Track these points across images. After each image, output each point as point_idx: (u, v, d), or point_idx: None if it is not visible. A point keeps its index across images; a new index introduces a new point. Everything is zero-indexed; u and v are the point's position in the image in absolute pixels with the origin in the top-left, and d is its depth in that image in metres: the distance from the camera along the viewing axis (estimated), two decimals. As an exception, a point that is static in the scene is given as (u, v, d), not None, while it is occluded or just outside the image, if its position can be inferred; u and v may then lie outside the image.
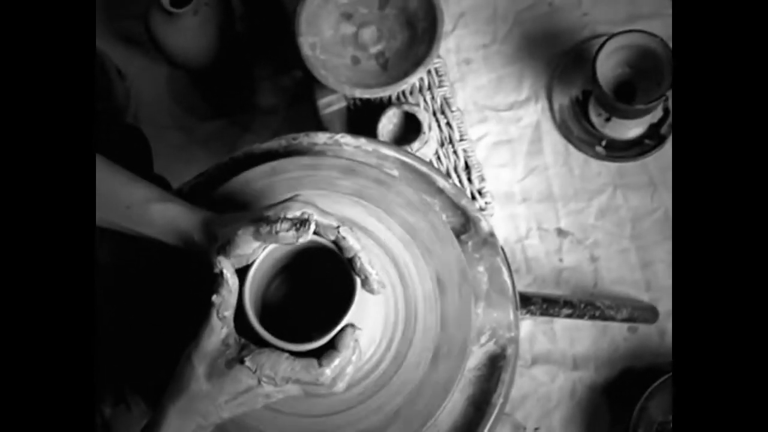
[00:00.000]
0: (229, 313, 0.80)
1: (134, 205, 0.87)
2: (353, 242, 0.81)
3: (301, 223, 0.79)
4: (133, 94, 1.47)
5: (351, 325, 0.80)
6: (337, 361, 0.79)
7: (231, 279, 0.80)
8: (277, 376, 0.77)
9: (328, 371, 0.78)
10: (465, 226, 0.99)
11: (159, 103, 1.49)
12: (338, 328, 0.81)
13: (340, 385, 0.80)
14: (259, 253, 0.82)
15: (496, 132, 1.43)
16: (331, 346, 0.79)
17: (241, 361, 0.77)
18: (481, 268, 0.98)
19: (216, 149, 1.44)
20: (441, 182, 1.00)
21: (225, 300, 0.79)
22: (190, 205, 0.87)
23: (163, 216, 0.86)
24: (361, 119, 1.28)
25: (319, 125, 1.26)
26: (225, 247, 0.81)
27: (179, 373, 0.80)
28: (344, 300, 0.82)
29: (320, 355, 0.79)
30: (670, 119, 1.39)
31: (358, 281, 0.82)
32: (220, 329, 0.79)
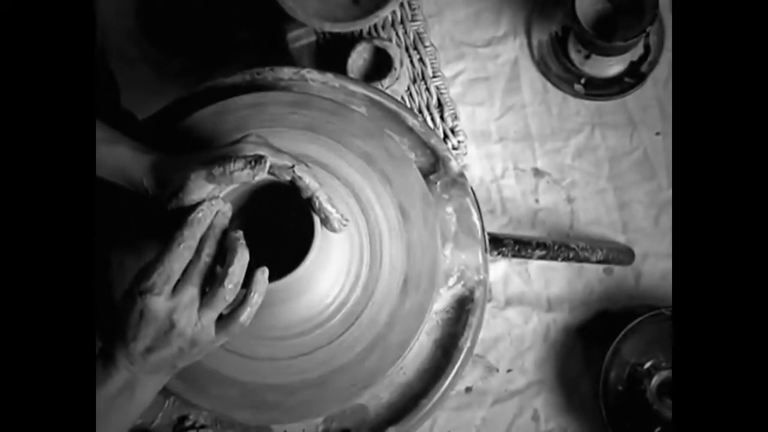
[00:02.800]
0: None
1: None
2: (310, 181, 0.79)
3: (256, 160, 0.76)
4: (99, 25, 1.42)
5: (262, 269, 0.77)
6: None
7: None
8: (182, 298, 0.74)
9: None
10: (434, 165, 0.97)
11: (128, 36, 1.45)
12: (301, 267, 0.79)
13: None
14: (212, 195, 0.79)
15: (473, 69, 1.39)
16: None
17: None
18: (449, 209, 0.95)
19: (188, 85, 1.41)
20: (410, 120, 0.97)
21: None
22: (140, 148, 0.83)
23: (112, 159, 0.83)
24: (331, 54, 1.24)
25: (290, 60, 1.22)
26: (177, 193, 0.78)
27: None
28: (306, 238, 0.80)
29: None
30: (650, 57, 1.36)
31: (318, 220, 0.79)
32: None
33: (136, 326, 0.75)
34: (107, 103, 1.28)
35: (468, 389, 1.32)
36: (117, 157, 0.83)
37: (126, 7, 1.46)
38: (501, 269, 1.34)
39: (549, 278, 1.34)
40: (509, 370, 1.33)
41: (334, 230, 0.81)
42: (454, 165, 0.96)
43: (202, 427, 0.92)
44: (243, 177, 0.76)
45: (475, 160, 1.37)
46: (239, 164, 0.76)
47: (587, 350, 1.32)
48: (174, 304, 0.74)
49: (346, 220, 0.81)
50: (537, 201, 1.36)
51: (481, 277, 0.95)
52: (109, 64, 1.34)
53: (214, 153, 0.78)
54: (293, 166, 0.78)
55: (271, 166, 0.77)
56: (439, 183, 0.96)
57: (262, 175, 0.77)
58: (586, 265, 1.32)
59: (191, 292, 0.75)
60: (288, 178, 0.78)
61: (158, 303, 0.74)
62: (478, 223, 0.96)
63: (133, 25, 1.45)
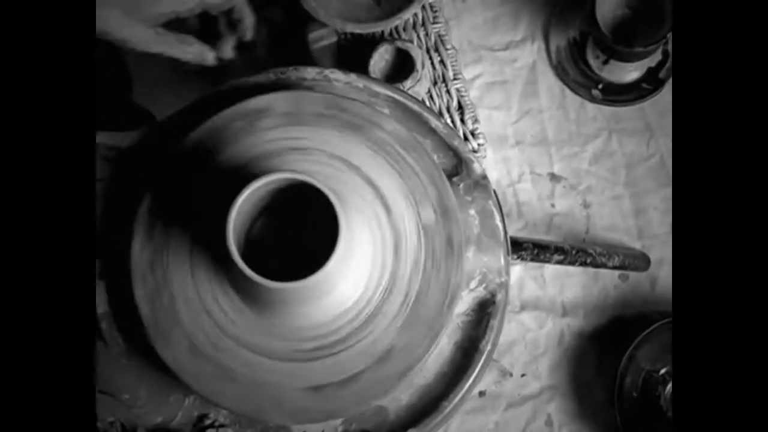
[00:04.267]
0: None
1: None
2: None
3: None
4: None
5: None
6: None
7: None
8: None
9: None
10: (457, 167, 0.97)
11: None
12: (326, 267, 0.79)
13: None
14: None
15: (491, 72, 1.39)
16: None
17: None
18: (472, 211, 0.95)
19: (202, 81, 1.40)
20: (433, 122, 0.97)
21: None
22: None
23: None
24: (352, 55, 1.24)
25: (309, 60, 1.22)
26: None
27: None
28: (331, 239, 0.80)
29: None
30: (669, 63, 1.36)
31: (342, 219, 0.79)
32: None
33: None
34: (120, 98, 1.28)
35: (481, 393, 1.31)
36: None
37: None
38: (516, 273, 1.34)
39: (564, 283, 1.34)
40: (523, 375, 1.32)
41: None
42: (477, 167, 0.96)
43: (222, 426, 0.92)
44: None
45: (492, 164, 1.36)
46: None
47: (602, 356, 1.31)
48: None
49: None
50: (553, 206, 1.36)
51: (503, 279, 0.95)
52: (124, 58, 1.34)
53: None
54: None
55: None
56: (462, 185, 0.96)
57: None
58: (602, 271, 1.32)
59: None
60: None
61: None
62: (500, 225, 0.96)
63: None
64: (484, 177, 0.96)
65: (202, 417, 0.92)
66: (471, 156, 0.97)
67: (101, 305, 0.91)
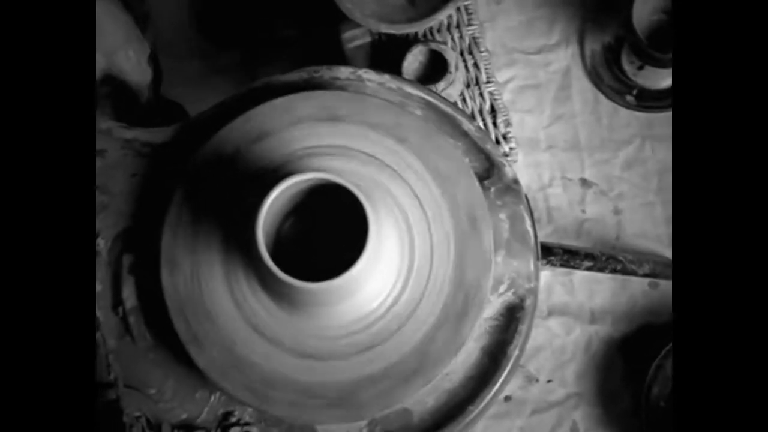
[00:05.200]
0: None
1: None
2: None
3: None
4: (152, 18, 1.43)
5: None
6: None
7: None
8: None
9: None
10: (488, 171, 0.96)
11: (179, 29, 1.46)
12: (356, 267, 0.78)
13: None
14: None
15: (524, 76, 1.38)
16: None
17: None
18: (502, 216, 0.95)
19: (237, 79, 1.41)
20: (466, 125, 0.97)
21: None
22: None
23: None
24: (386, 56, 1.24)
25: (342, 59, 1.22)
26: None
27: None
28: (360, 238, 0.80)
29: None
30: (705, 70, 1.35)
31: (372, 220, 0.79)
32: None
33: None
34: (152, 92, 1.29)
35: (507, 398, 1.31)
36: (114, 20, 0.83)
37: (180, 2, 1.46)
38: (544, 279, 1.33)
39: (593, 290, 1.33)
40: (549, 381, 1.32)
41: None
42: (509, 171, 0.95)
43: (247, 424, 0.91)
44: None
45: (523, 168, 1.36)
46: None
47: (629, 364, 1.30)
48: None
49: None
50: (584, 211, 1.35)
51: (532, 285, 0.94)
52: (157, 56, 1.35)
53: None
54: None
55: None
56: (493, 189, 0.95)
57: None
58: (631, 278, 1.31)
59: None
60: None
61: None
62: (531, 230, 0.95)
63: (185, 20, 1.46)
64: (516, 181, 0.96)
65: (227, 414, 0.92)
66: (503, 160, 0.96)
67: (130, 299, 0.91)
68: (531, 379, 1.31)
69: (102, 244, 0.93)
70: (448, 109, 0.97)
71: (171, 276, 0.89)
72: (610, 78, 1.38)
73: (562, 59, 1.39)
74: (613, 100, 1.37)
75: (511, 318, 0.94)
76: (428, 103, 0.97)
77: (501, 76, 1.37)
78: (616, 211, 1.35)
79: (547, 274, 1.33)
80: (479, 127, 0.97)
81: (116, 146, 0.94)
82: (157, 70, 1.31)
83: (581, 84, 1.38)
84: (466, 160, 0.96)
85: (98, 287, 0.92)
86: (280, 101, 0.92)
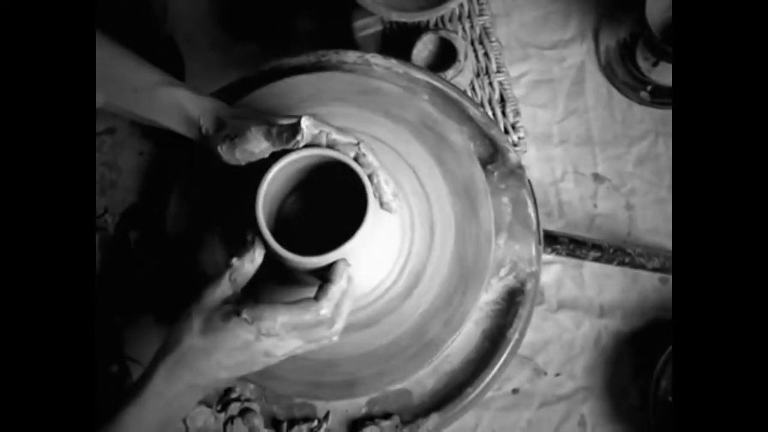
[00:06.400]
0: (241, 281, 0.78)
1: (142, 89, 0.85)
2: (372, 159, 0.79)
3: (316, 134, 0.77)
4: (171, 8, 1.45)
5: (343, 260, 0.78)
6: (331, 291, 0.76)
7: (258, 252, 0.79)
8: (276, 323, 0.74)
9: (325, 303, 0.76)
10: (493, 156, 0.97)
11: (197, 21, 1.47)
12: (351, 242, 0.79)
13: (339, 325, 0.78)
14: (264, 153, 0.80)
15: (538, 71, 1.39)
16: (325, 280, 0.78)
17: (237, 313, 0.74)
18: (505, 199, 0.95)
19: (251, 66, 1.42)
20: (471, 110, 0.98)
21: (244, 268, 0.78)
22: (199, 92, 0.85)
23: (171, 99, 0.84)
24: (397, 45, 1.24)
25: (354, 48, 1.23)
26: (234, 139, 0.79)
27: (176, 327, 0.77)
28: (359, 216, 0.81)
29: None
30: (719, 67, 1.34)
31: (372, 198, 0.80)
32: (227, 289, 0.77)
33: (231, 352, 0.75)
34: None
35: (515, 390, 1.30)
36: (178, 98, 0.84)
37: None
38: (554, 272, 1.33)
39: (603, 284, 1.32)
40: (558, 374, 1.31)
41: (390, 210, 0.81)
42: (513, 156, 0.96)
43: (248, 400, 0.93)
44: (298, 143, 0.77)
45: (535, 162, 1.36)
46: (300, 135, 0.77)
47: (638, 359, 1.30)
48: (280, 344, 0.76)
49: (399, 205, 0.82)
50: (595, 206, 1.35)
51: (534, 269, 0.94)
52: (178, 48, 1.37)
53: (276, 119, 0.79)
54: (358, 143, 0.79)
55: (336, 143, 0.78)
56: (496, 173, 0.96)
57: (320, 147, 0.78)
58: (642, 273, 1.30)
59: (299, 343, 0.77)
60: (352, 154, 0.79)
61: (268, 343, 0.75)
62: (533, 214, 0.95)
63: (204, 12, 1.47)
64: (520, 166, 0.96)
65: (228, 390, 0.93)
66: (507, 145, 0.97)
67: (136, 275, 0.93)
68: (539, 373, 1.31)
69: (110, 220, 0.95)
70: (454, 94, 0.98)
71: (175, 251, 0.90)
72: (624, 74, 1.37)
73: (577, 54, 1.39)
74: (627, 96, 1.37)
75: (512, 302, 0.94)
76: (434, 88, 0.98)
77: (515, 71, 1.37)
78: (628, 207, 1.34)
79: (557, 268, 1.33)
80: (485, 113, 0.98)
81: (125, 124, 0.96)
82: (179, 59, 1.33)
83: (595, 79, 1.38)
84: (471, 145, 0.96)
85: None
86: (284, 82, 0.93)
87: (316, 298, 0.76)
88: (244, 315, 0.74)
